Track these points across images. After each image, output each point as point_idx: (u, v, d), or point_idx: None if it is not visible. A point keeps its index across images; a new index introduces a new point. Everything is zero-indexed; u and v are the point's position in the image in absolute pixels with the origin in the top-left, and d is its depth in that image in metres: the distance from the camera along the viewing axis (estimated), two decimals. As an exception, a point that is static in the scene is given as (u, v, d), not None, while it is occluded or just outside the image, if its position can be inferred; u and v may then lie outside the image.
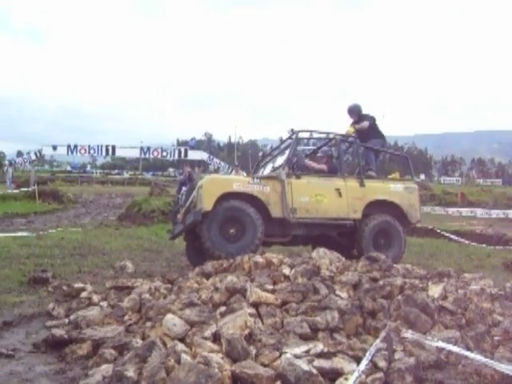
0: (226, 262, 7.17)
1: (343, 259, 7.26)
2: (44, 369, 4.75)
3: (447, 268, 7.23)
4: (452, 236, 15.14)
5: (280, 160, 9.70)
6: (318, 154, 10.66)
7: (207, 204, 8.22)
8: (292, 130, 9.63)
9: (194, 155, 59.40)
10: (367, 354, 3.92)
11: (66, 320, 6.10)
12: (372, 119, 10.24)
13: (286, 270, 6.33)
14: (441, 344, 4.27)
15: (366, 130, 10.01)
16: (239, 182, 8.81)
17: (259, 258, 6.79)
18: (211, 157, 60.43)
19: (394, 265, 7.25)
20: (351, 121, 10.48)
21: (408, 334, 4.55)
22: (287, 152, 9.37)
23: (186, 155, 60.89)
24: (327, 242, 9.08)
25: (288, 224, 8.72)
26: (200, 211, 8.23)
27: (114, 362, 4.61)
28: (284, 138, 10.47)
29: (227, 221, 8.33)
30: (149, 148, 61.83)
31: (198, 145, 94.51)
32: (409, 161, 11.01)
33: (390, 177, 10.69)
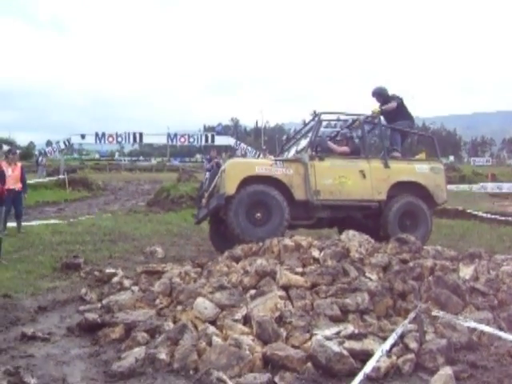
0: (255, 245, 7.16)
1: (372, 241, 7.19)
2: (78, 352, 4.85)
3: (478, 249, 7.14)
4: (484, 215, 14.92)
5: (303, 143, 9.67)
6: (338, 138, 10.55)
7: (230, 188, 8.22)
8: (315, 113, 9.58)
9: (221, 140, 59.22)
10: (393, 334, 3.91)
11: (99, 304, 6.21)
12: (399, 100, 10.08)
13: (316, 253, 6.31)
14: (473, 324, 4.23)
15: (393, 110, 9.86)
16: (262, 165, 8.79)
17: (288, 241, 6.77)
18: (238, 142, 60.15)
19: (424, 246, 7.19)
20: (377, 104, 10.33)
21: (439, 314, 4.52)
22: (310, 135, 9.30)
23: (212, 141, 60.82)
24: (352, 224, 8.94)
25: (312, 206, 8.65)
26: (223, 195, 8.24)
27: (147, 345, 4.68)
28: (307, 121, 10.36)
29: (253, 205, 8.28)
30: (176, 134, 61.88)
31: (224, 130, 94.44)
32: (435, 141, 10.82)
33: (416, 157, 10.56)
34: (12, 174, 11.79)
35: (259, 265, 5.93)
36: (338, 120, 10.70)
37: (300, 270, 5.88)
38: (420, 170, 9.44)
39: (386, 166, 9.16)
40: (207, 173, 9.68)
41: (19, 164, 12.48)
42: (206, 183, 9.35)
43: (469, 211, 15.87)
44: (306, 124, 10.53)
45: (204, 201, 9.11)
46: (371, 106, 10.41)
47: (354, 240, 6.92)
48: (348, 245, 6.61)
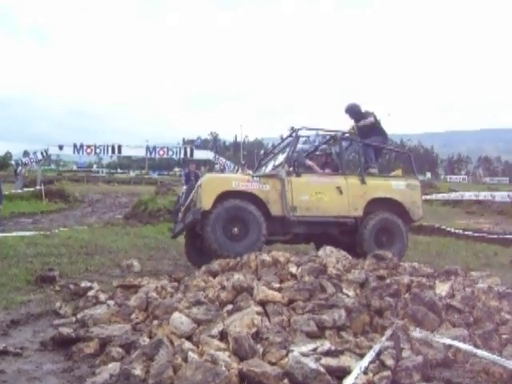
0: (232, 260, 7.15)
1: (350, 257, 7.24)
2: (51, 367, 4.76)
3: (454, 266, 7.20)
4: (460, 232, 15.08)
5: (281, 158, 9.65)
6: (317, 153, 10.57)
7: (206, 203, 8.19)
8: (292, 128, 9.58)
9: (200, 154, 59.03)
10: (371, 351, 3.91)
11: (73, 318, 6.10)
12: (373, 115, 10.13)
13: (293, 269, 6.31)
14: (449, 341, 4.24)
15: (367, 127, 9.91)
16: (238, 180, 8.77)
17: (266, 257, 6.77)
18: (217, 156, 60.04)
19: (401, 263, 7.24)
20: (350, 120, 10.38)
21: (416, 332, 4.53)
22: (288, 150, 9.28)
23: (191, 154, 60.64)
24: (329, 240, 8.92)
25: (288, 222, 8.65)
26: (199, 210, 8.21)
27: (122, 361, 4.61)
28: (284, 136, 10.40)
29: (230, 220, 8.28)
30: (155, 147, 61.57)
31: (203, 144, 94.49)
32: (411, 158, 10.91)
33: (392, 174, 10.63)
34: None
35: (236, 280, 5.91)
36: (317, 135, 10.71)
37: (277, 285, 5.87)
38: (396, 186, 9.48)
39: (363, 182, 9.18)
40: (184, 187, 9.66)
41: (-5, 175, 12.38)
42: (183, 197, 9.32)
43: (444, 228, 16.04)
44: (283, 139, 10.55)
45: (180, 215, 9.09)
46: (346, 122, 10.50)
47: (332, 256, 6.95)
48: (325, 261, 6.63)
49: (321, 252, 7.21)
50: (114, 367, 4.40)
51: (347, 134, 10.00)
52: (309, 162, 9.72)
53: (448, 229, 15.79)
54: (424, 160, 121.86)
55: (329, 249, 7.32)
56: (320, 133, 10.50)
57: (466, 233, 14.94)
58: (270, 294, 5.52)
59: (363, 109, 10.31)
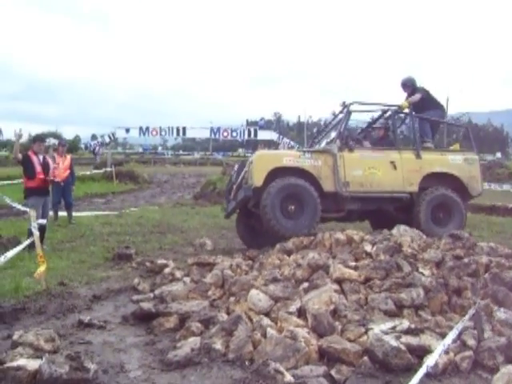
0: (306, 238, 7.16)
1: (424, 237, 7.12)
2: (134, 340, 4.94)
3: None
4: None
5: (333, 135, 9.51)
6: (376, 125, 10.28)
7: (258, 180, 8.14)
8: (344, 103, 9.31)
9: (264, 135, 59.09)
10: (454, 329, 3.86)
11: (151, 294, 6.30)
12: (425, 91, 9.83)
13: (368, 247, 6.28)
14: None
15: (421, 102, 9.64)
16: (289, 156, 8.62)
17: (340, 235, 6.76)
18: (281, 136, 60.00)
19: (478, 243, 7.08)
20: (405, 94, 10.12)
21: (500, 312, 4.43)
22: (340, 126, 9.11)
23: (255, 135, 60.83)
24: (384, 217, 8.94)
25: (341, 198, 8.49)
26: (251, 187, 8.18)
27: (201, 335, 4.73)
28: (337, 113, 10.14)
29: (286, 198, 8.16)
30: (219, 128, 62.03)
31: (267, 125, 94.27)
32: (469, 131, 10.62)
33: (451, 148, 10.30)
34: (62, 165, 12.13)
35: (311, 258, 5.93)
36: (366, 111, 10.28)
37: (353, 264, 5.86)
38: (454, 160, 9.19)
39: (418, 156, 8.97)
40: (236, 165, 9.52)
41: (68, 156, 12.81)
42: (235, 176, 9.21)
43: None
44: (335, 115, 10.30)
45: (232, 193, 9.04)
46: (399, 96, 10.21)
47: (406, 235, 6.86)
48: (400, 240, 6.56)
49: (395, 231, 7.12)
50: (194, 341, 4.52)
51: (400, 109, 9.66)
52: (360, 139, 9.57)
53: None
54: (493, 139, 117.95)
55: (403, 228, 7.22)
56: (373, 108, 10.14)
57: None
58: (347, 272, 5.51)
59: (418, 84, 10.03)
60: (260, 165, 8.34)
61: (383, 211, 8.94)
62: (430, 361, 3.19)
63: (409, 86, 9.99)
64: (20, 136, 8.91)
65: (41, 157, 9.18)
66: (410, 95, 9.86)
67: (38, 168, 9.04)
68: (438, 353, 3.24)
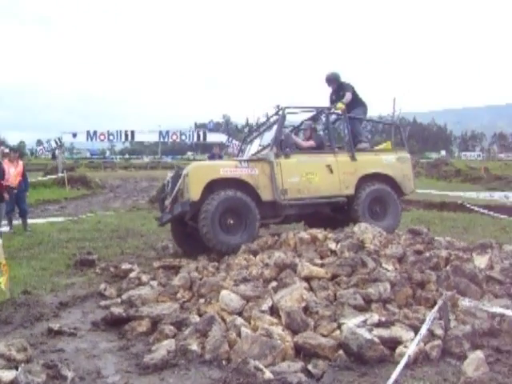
0: (270, 239, 7.28)
1: (384, 233, 7.32)
2: (107, 345, 4.93)
3: (488, 239, 7.27)
4: (483, 210, 14.86)
5: (267, 137, 9.27)
6: (302, 127, 10.18)
7: (195, 193, 7.77)
8: (278, 107, 9.06)
9: (213, 137, 59.17)
10: (427, 320, 4.02)
11: (119, 299, 6.28)
12: (351, 88, 9.87)
13: (332, 245, 6.45)
14: (500, 310, 4.34)
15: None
16: (226, 166, 8.28)
17: (304, 234, 6.91)
18: (230, 139, 60.18)
19: (436, 237, 7.34)
20: (329, 89, 10.09)
21: (465, 301, 4.63)
22: (274, 130, 8.83)
23: (204, 138, 60.88)
24: (321, 218, 8.93)
25: (279, 206, 8.33)
26: (188, 201, 7.80)
27: (175, 338, 4.77)
28: (270, 115, 9.89)
29: (224, 213, 7.84)
30: (168, 132, 61.79)
31: (216, 127, 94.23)
32: (400, 129, 10.75)
33: (380, 147, 10.36)
34: (14, 171, 11.92)
35: (278, 257, 6.04)
36: (303, 111, 10.09)
37: (319, 261, 6.02)
38: (387, 160, 9.25)
39: (353, 158, 8.95)
40: (169, 174, 9.04)
41: (21, 162, 12.57)
42: (169, 186, 8.80)
43: (467, 205, 15.85)
44: (268, 117, 10.04)
45: (167, 203, 8.72)
46: (324, 92, 10.20)
47: (368, 232, 7.05)
48: (362, 237, 6.76)
49: (356, 228, 7.30)
50: (169, 344, 4.57)
51: (335, 110, 9.59)
52: (296, 139, 9.46)
53: (471, 206, 15.58)
54: (437, 137, 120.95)
55: (363, 225, 7.40)
56: (303, 111, 9.97)
57: (489, 212, 14.67)
58: (315, 270, 5.66)
59: (342, 79, 10.01)
60: (196, 177, 7.96)
61: (320, 213, 8.92)
62: (410, 350, 3.32)
63: (333, 81, 9.96)
64: None
65: None
66: (335, 91, 9.87)
67: None
68: (416, 342, 3.39)
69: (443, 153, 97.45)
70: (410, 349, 3.31)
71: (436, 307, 4.05)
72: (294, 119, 10.04)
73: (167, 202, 8.73)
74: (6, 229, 8.16)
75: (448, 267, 5.84)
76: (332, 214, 8.99)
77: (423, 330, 3.47)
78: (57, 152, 40.34)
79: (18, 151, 13.46)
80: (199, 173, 8.10)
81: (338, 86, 9.87)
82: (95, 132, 58.98)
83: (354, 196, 8.74)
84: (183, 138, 62.95)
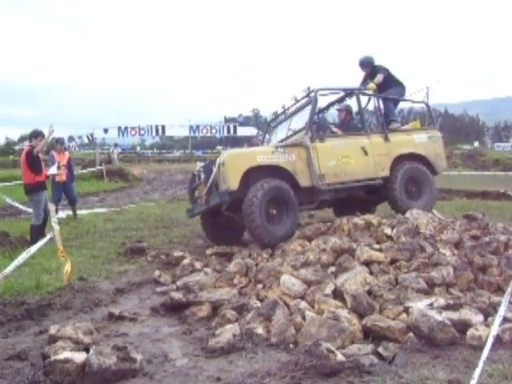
0: (323, 225, 7.24)
1: (437, 219, 7.23)
2: (169, 330, 4.97)
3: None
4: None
5: (297, 122, 9.09)
6: (336, 108, 10.02)
7: (233, 183, 7.48)
8: (309, 89, 8.77)
9: (243, 131, 59.13)
10: (503, 302, 3.94)
11: (174, 286, 6.31)
12: (385, 69, 9.74)
13: (388, 230, 6.37)
14: None
15: (383, 81, 9.54)
16: (263, 154, 7.98)
17: (358, 220, 6.85)
18: (260, 132, 60.15)
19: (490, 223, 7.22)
20: (363, 74, 9.98)
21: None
22: (307, 114, 8.58)
23: (235, 132, 60.83)
24: (355, 201, 8.92)
25: (317, 191, 8.15)
26: (226, 191, 7.50)
27: (237, 322, 4.76)
28: (299, 98, 9.57)
29: (269, 202, 7.53)
30: (198, 126, 61.83)
31: (245, 121, 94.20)
32: (429, 108, 10.55)
33: (410, 125, 10.21)
34: (62, 162, 12.07)
35: (335, 243, 6.00)
36: (334, 93, 9.86)
37: (377, 246, 5.95)
38: (419, 140, 9.16)
39: (387, 139, 8.84)
40: (199, 164, 8.75)
41: (67, 153, 12.72)
42: (202, 175, 8.39)
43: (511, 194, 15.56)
44: (297, 100, 9.73)
45: (201, 194, 8.32)
46: (358, 76, 10.08)
47: (421, 218, 6.97)
48: (416, 222, 6.67)
49: (408, 214, 7.23)
50: (233, 328, 4.56)
51: (365, 91, 9.45)
52: (332, 127, 9.32)
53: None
54: (470, 129, 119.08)
55: (415, 211, 7.33)
56: (338, 92, 9.78)
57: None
58: (374, 255, 5.60)
59: (376, 63, 9.89)
60: (233, 166, 7.68)
61: (354, 196, 8.82)
62: (493, 331, 3.26)
63: (367, 65, 9.83)
64: (52, 131, 9.21)
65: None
66: (368, 74, 9.75)
67: (43, 163, 9.05)
68: (497, 323, 3.32)
69: (476, 144, 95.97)
70: (493, 329, 3.24)
71: (509, 289, 3.95)
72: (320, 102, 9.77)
73: (197, 193, 8.58)
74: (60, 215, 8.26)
75: (511, 251, 5.75)
76: (366, 196, 8.90)
77: (501, 311, 3.40)
78: (111, 149, 42.21)
79: (64, 142, 13.61)
80: (236, 161, 7.85)
81: (371, 70, 9.76)
82: (126, 127, 59.38)
83: (390, 177, 8.62)
84: (213, 131, 62.98)
